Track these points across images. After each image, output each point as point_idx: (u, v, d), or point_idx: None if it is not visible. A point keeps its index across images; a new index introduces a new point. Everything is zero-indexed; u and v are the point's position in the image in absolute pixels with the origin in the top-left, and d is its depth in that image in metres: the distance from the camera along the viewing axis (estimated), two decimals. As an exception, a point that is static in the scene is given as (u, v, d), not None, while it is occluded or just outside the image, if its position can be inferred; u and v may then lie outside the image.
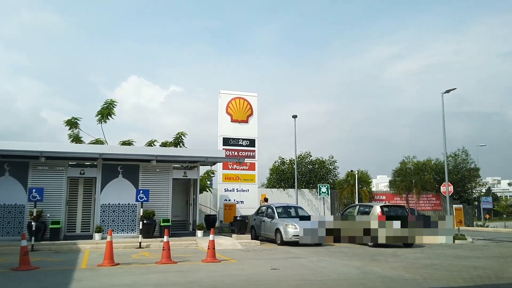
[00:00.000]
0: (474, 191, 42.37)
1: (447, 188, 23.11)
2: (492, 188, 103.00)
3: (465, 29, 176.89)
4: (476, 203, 43.51)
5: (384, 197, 34.61)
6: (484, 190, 53.72)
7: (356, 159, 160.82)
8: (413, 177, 33.63)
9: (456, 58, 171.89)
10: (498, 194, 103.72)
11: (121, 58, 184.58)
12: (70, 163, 16.59)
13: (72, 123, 22.06)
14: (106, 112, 22.30)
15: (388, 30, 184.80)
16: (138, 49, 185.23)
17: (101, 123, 22.31)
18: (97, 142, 21.94)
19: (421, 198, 34.49)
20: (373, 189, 36.90)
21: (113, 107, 22.67)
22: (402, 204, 18.86)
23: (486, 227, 35.98)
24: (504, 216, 76.29)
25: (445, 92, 23.07)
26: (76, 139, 21.69)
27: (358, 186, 31.16)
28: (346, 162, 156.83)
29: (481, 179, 45.91)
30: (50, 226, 15.16)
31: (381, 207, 16.64)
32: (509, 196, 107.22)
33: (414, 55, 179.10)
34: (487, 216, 45.64)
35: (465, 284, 7.83)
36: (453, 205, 21.17)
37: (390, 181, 37.85)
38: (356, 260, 11.78)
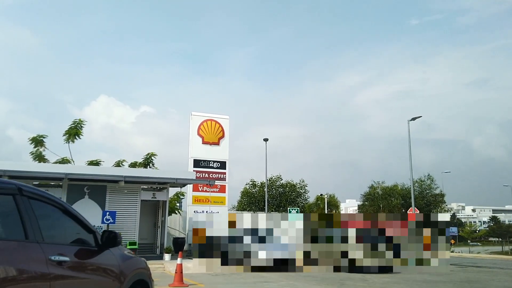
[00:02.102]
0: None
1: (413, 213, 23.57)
2: (457, 214, 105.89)
3: (430, 60, 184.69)
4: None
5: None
6: (449, 216, 55.01)
7: (326, 183, 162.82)
8: (381, 201, 34.21)
9: (422, 86, 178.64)
10: (463, 220, 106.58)
11: (91, 78, 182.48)
12: (34, 182, 16.02)
13: (38, 141, 21.43)
14: (73, 131, 21.81)
15: (357, 58, 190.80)
16: (109, 69, 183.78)
17: (69, 142, 21.78)
18: (63, 161, 21.34)
19: (388, 223, 35.07)
20: (342, 212, 37.19)
21: (81, 127, 22.24)
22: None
23: (452, 252, 36.79)
24: (469, 241, 78.24)
25: (411, 120, 23.81)
26: (40, 157, 21.02)
27: (327, 209, 31.41)
28: (316, 185, 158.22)
29: (446, 205, 47.12)
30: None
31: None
32: (473, 222, 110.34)
33: (382, 83, 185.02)
34: (452, 242, 46.72)
35: None
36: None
37: (359, 205, 38.36)
38: (325, 284, 11.74)
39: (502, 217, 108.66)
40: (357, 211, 53.75)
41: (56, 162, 20.95)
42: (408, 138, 23.70)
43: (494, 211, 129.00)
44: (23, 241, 3.18)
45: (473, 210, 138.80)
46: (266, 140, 28.39)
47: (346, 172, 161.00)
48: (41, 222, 3.44)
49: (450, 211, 56.51)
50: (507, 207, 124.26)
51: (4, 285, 2.79)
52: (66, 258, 3.49)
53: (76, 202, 16.14)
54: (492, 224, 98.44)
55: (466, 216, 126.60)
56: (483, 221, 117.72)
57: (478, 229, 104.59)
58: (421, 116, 23.83)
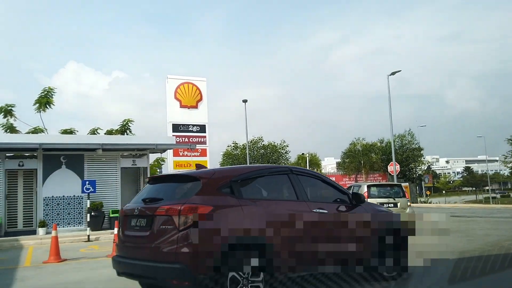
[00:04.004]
0: (417, 170, 44.47)
1: (394, 168, 23.94)
2: (432, 166, 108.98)
3: (403, 14, 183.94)
4: (419, 181, 45.75)
5: (333, 179, 35.44)
6: (425, 168, 56.58)
7: (305, 142, 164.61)
8: (362, 158, 34.61)
9: (396, 42, 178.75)
10: (438, 172, 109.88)
11: (57, 43, 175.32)
12: (7, 154, 15.37)
13: (7, 111, 20.45)
14: (44, 100, 20.85)
15: (331, 15, 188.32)
16: (77, 33, 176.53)
17: (40, 112, 20.88)
18: (36, 131, 20.52)
19: (369, 178, 35.63)
20: (323, 171, 37.60)
21: (52, 95, 21.25)
22: (397, 183, 18.30)
23: (430, 203, 37.96)
24: (444, 192, 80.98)
25: (390, 74, 23.69)
26: (11, 129, 20.15)
27: (309, 168, 31.60)
28: (296, 145, 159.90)
29: (424, 158, 48.25)
30: (-12, 223, 14.03)
31: (368, 186, 15.18)
32: (447, 173, 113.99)
33: (357, 40, 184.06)
34: (428, 193, 48.22)
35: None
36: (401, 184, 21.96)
37: (338, 163, 38.83)
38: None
39: (475, 167, 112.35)
40: (335, 169, 54.57)
41: (28, 133, 20.14)
42: (388, 93, 23.69)
43: (467, 161, 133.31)
44: (296, 201, 5.35)
45: (447, 162, 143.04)
46: (245, 101, 27.95)
47: (324, 131, 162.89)
48: (306, 189, 5.53)
49: (426, 164, 57.89)
50: (480, 157, 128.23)
51: (285, 225, 4.72)
52: (325, 211, 5.39)
53: (53, 172, 15.61)
54: (465, 175, 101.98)
55: (441, 168, 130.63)
56: (457, 172, 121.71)
57: (452, 179, 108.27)
58: (400, 71, 23.71)
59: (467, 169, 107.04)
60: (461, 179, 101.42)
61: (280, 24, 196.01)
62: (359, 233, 5.23)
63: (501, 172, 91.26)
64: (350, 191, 6.26)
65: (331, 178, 34.10)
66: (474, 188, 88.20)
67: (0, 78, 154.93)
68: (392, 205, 14.25)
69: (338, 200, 5.82)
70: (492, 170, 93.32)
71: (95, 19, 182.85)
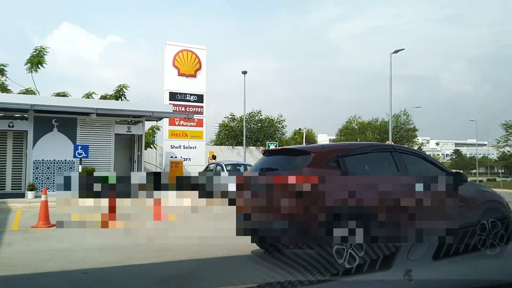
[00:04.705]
0: (409, 150, 44.31)
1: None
2: (422, 148, 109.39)
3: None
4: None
5: (329, 156, 35.18)
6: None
7: (300, 118, 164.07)
8: (358, 136, 34.33)
9: (395, 21, 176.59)
10: (428, 153, 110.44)
11: (51, 2, 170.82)
12: (-4, 114, 14.80)
13: (-1, 70, 19.67)
14: (36, 60, 20.00)
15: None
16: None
17: (31, 72, 20.06)
18: (28, 92, 19.80)
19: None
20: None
21: (44, 54, 20.38)
22: None
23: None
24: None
25: (393, 52, 23.09)
26: (2, 88, 19.42)
27: (305, 144, 31.26)
28: (290, 120, 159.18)
29: (418, 139, 48.15)
30: (-25, 184, 13.56)
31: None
32: (437, 155, 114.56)
33: (356, 17, 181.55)
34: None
35: None
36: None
37: (334, 140, 38.51)
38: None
39: (464, 150, 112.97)
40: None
41: (20, 93, 19.42)
42: (390, 71, 23.13)
43: (456, 144, 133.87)
44: (397, 176, 5.59)
45: (437, 144, 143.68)
46: (244, 73, 27.24)
47: (318, 108, 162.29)
48: (408, 166, 5.82)
49: (418, 145, 57.92)
50: (469, 141, 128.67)
51: (388, 199, 5.02)
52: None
53: (44, 135, 15.09)
54: (454, 157, 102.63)
55: (431, 149, 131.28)
56: (446, 154, 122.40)
57: (442, 161, 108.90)
58: (403, 49, 23.09)
59: (456, 151, 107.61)
60: (450, 161, 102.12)
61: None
62: (459, 210, 5.54)
63: (489, 157, 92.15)
64: (452, 170, 6.78)
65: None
66: (462, 171, 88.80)
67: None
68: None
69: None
70: (481, 154, 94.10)
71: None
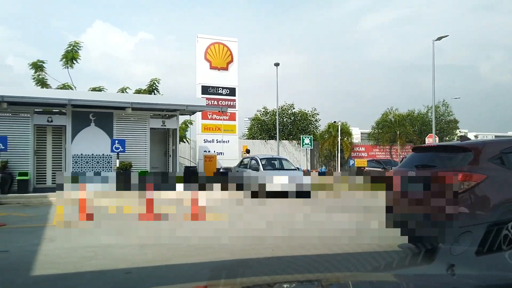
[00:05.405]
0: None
1: (433, 140, 22.79)
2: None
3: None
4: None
5: (363, 149, 34.33)
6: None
7: (330, 111, 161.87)
8: (398, 128, 33.28)
9: (428, 10, 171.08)
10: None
11: (84, 2, 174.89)
12: (36, 109, 15.04)
13: (38, 66, 20.05)
14: (70, 55, 20.29)
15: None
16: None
17: (67, 67, 20.37)
18: (65, 87, 20.15)
19: (404, 149, 34.25)
20: (354, 140, 36.44)
21: (78, 49, 20.64)
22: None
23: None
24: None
25: (436, 40, 22.17)
26: (42, 83, 19.81)
27: (340, 137, 30.55)
28: (321, 114, 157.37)
29: (460, 131, 46.35)
30: (18, 178, 13.84)
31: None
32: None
33: (388, 6, 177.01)
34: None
35: None
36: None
37: (369, 133, 37.43)
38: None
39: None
40: (359, 139, 53.13)
41: (57, 88, 19.78)
42: (432, 59, 22.22)
43: (496, 137, 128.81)
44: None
45: (476, 137, 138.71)
46: (277, 65, 26.78)
47: (349, 101, 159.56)
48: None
49: (459, 138, 55.75)
50: (510, 133, 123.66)
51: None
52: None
53: (82, 130, 15.27)
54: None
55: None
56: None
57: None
58: (448, 35, 22.02)
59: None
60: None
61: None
62: None
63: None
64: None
65: (360, 148, 32.47)
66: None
67: (31, 36, 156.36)
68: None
69: None
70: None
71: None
